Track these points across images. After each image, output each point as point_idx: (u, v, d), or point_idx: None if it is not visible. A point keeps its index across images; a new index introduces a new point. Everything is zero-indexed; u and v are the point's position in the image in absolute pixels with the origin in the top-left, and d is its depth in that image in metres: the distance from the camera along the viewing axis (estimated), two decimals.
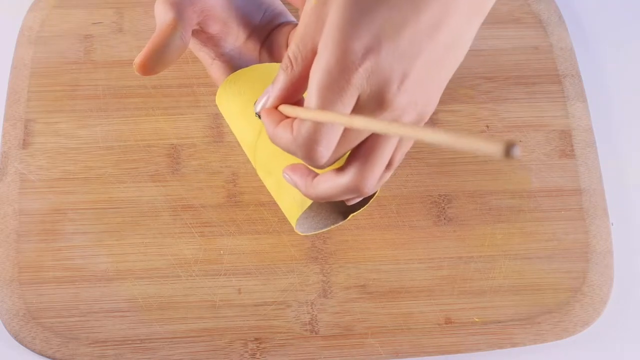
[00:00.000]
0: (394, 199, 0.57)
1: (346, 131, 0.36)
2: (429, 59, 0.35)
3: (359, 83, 0.35)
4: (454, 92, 0.60)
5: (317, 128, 0.35)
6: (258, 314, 0.53)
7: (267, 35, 0.48)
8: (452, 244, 0.55)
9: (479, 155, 0.58)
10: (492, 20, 0.62)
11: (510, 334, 0.53)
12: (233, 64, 0.49)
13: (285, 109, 0.39)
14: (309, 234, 0.50)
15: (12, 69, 0.60)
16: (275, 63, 0.48)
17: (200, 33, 0.47)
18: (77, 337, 0.52)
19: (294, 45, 0.37)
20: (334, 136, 0.36)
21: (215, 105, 0.59)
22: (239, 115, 0.48)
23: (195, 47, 0.48)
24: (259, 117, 0.46)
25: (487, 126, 0.59)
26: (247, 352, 0.52)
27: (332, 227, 0.50)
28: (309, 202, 0.45)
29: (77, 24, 0.62)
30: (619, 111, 0.62)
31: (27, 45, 0.61)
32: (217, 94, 0.49)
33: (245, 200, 0.56)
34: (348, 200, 0.44)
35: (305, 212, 0.49)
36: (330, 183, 0.40)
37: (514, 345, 0.53)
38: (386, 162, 0.39)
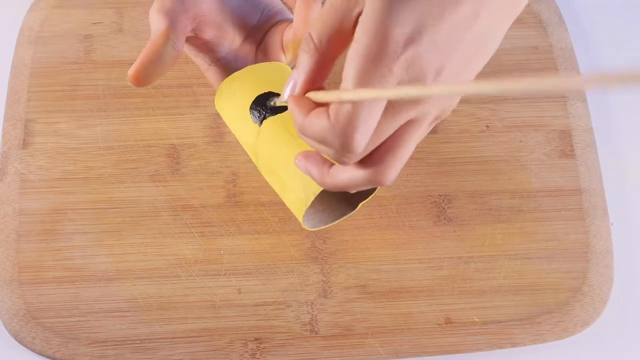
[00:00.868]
0: (394, 199, 0.56)
1: (379, 122, 0.36)
2: (464, 53, 0.35)
3: (399, 72, 0.34)
4: None
5: (357, 113, 0.34)
6: (258, 314, 0.53)
7: (263, 36, 0.48)
8: (452, 244, 0.55)
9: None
10: None
11: (510, 334, 0.53)
12: (229, 68, 0.48)
13: (317, 95, 0.37)
14: (319, 228, 0.49)
15: (12, 69, 0.60)
16: (269, 62, 0.48)
17: (195, 39, 0.46)
18: (77, 337, 0.52)
19: (320, 25, 0.36)
20: (372, 123, 0.35)
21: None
22: (236, 118, 0.48)
23: (191, 53, 0.48)
24: (257, 120, 0.46)
25: (487, 126, 0.59)
26: (247, 352, 0.52)
27: (343, 218, 0.49)
28: (312, 197, 0.44)
29: (77, 24, 0.62)
30: (619, 111, 0.62)
31: (27, 45, 0.61)
32: (215, 99, 0.49)
33: (245, 200, 0.56)
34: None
35: (312, 206, 0.48)
36: (351, 174, 0.39)
37: (514, 345, 0.53)
38: (410, 153, 0.38)
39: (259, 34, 0.48)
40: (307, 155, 0.41)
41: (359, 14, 0.35)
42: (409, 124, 0.36)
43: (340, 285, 0.54)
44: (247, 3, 0.47)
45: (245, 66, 0.48)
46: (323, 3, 0.40)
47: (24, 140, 0.58)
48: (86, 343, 0.52)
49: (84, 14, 0.63)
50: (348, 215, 0.49)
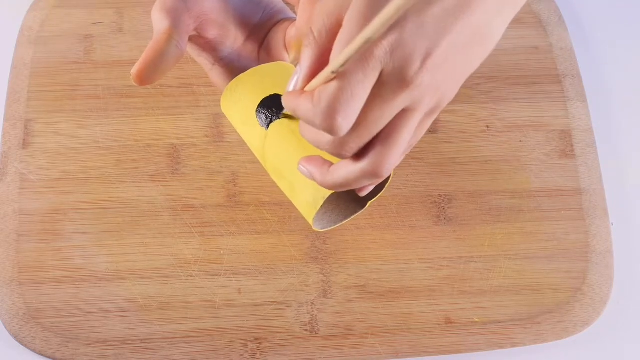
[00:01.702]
0: (394, 199, 0.56)
1: (367, 113, 0.36)
2: (454, 41, 0.35)
3: (382, 56, 0.34)
4: None
5: (338, 96, 0.35)
6: (258, 314, 0.53)
7: (266, 35, 0.48)
8: (452, 244, 0.55)
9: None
10: None
11: (510, 334, 0.53)
12: (233, 68, 0.48)
13: (310, 84, 0.38)
14: (329, 228, 0.49)
15: (12, 69, 0.60)
16: (273, 63, 0.48)
17: (198, 39, 0.47)
18: (77, 337, 0.52)
19: (320, 19, 0.37)
20: (355, 107, 0.35)
21: (215, 105, 0.59)
22: (243, 122, 0.48)
23: (194, 53, 0.48)
24: (263, 123, 0.46)
25: (487, 126, 0.59)
26: (247, 352, 0.52)
27: (353, 217, 0.50)
28: (322, 200, 0.45)
29: (77, 24, 0.62)
30: (619, 111, 0.62)
31: (27, 45, 0.61)
32: (221, 102, 0.49)
33: (245, 200, 0.56)
34: (361, 190, 0.44)
35: (322, 207, 0.48)
36: (348, 169, 0.39)
37: (514, 345, 0.53)
38: (406, 144, 0.39)
39: (261, 33, 0.48)
40: (309, 159, 0.42)
41: None
42: (402, 113, 0.37)
43: (340, 285, 0.54)
44: (249, 2, 0.47)
45: (249, 65, 0.48)
46: None
47: (24, 140, 0.58)
48: (86, 343, 0.52)
49: (84, 14, 0.63)
50: (357, 214, 0.49)
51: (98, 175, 0.57)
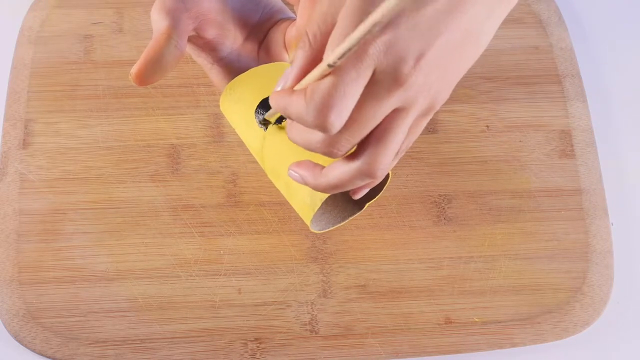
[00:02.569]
0: (394, 199, 0.57)
1: (359, 112, 0.36)
2: (447, 42, 0.35)
3: (375, 55, 0.34)
4: (453, 92, 0.59)
5: (331, 93, 0.35)
6: (258, 314, 0.53)
7: (265, 34, 0.48)
8: (452, 244, 0.55)
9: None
10: None
11: (510, 334, 0.53)
12: (232, 68, 0.48)
13: (300, 83, 0.38)
14: (327, 230, 0.49)
15: (12, 69, 0.60)
16: (273, 63, 0.48)
17: (197, 39, 0.47)
18: (77, 337, 0.52)
19: (314, 22, 0.37)
20: (347, 105, 0.35)
21: (215, 105, 0.59)
22: (242, 122, 0.48)
23: (193, 53, 0.48)
24: (262, 124, 0.46)
25: (487, 126, 0.59)
26: (247, 352, 0.52)
27: (350, 219, 0.50)
28: (319, 202, 0.45)
29: (77, 24, 0.62)
30: (619, 111, 0.62)
31: (27, 45, 0.61)
32: (220, 102, 0.49)
33: (245, 200, 0.56)
34: (355, 192, 0.44)
35: (320, 208, 0.48)
36: (342, 169, 0.39)
37: (514, 345, 0.53)
38: (399, 144, 0.39)
39: (261, 32, 0.48)
40: (298, 163, 0.42)
41: None
42: (395, 113, 0.37)
43: (340, 285, 0.54)
44: (248, 1, 0.47)
45: (248, 65, 0.48)
46: None
47: (24, 140, 0.58)
48: (86, 343, 0.52)
49: (84, 14, 0.63)
50: (355, 215, 0.49)
51: (98, 175, 0.57)
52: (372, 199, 0.49)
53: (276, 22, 0.48)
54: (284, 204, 0.56)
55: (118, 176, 0.57)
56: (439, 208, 0.56)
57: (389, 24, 0.34)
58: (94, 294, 0.53)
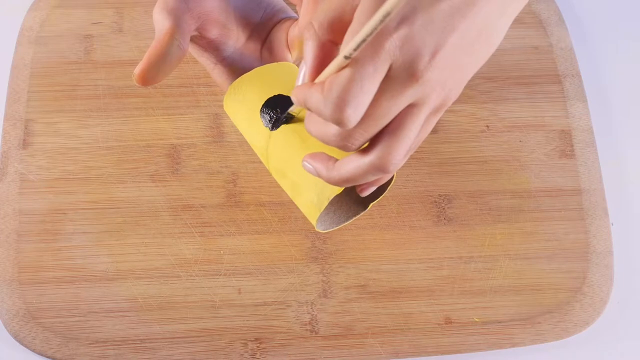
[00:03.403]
0: (394, 199, 0.57)
1: (375, 106, 0.36)
2: (461, 39, 0.36)
3: (391, 50, 0.35)
4: None
5: (348, 88, 0.35)
6: (258, 314, 0.53)
7: (267, 34, 0.48)
8: (452, 244, 0.55)
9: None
10: None
11: (510, 334, 0.53)
12: (235, 68, 0.48)
13: (319, 77, 0.38)
14: (332, 229, 0.49)
15: (12, 69, 0.60)
16: (276, 63, 0.48)
17: (200, 39, 0.47)
18: (77, 337, 0.52)
19: (321, 13, 0.37)
20: (364, 99, 0.35)
21: (215, 105, 0.59)
22: (246, 122, 0.48)
23: (196, 53, 0.48)
24: (268, 123, 0.46)
25: (487, 126, 0.59)
26: (247, 352, 0.52)
27: (354, 218, 0.50)
28: (326, 202, 0.45)
29: (77, 24, 0.62)
30: (619, 111, 0.62)
31: (27, 45, 0.61)
32: (224, 102, 0.49)
33: (245, 200, 0.56)
34: (363, 189, 0.44)
35: (325, 208, 0.48)
36: (355, 163, 0.40)
37: (514, 345, 0.53)
38: (412, 139, 0.39)
39: (263, 32, 0.48)
40: (313, 155, 0.43)
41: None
42: (409, 108, 0.37)
43: (340, 285, 0.54)
44: (250, 1, 0.47)
45: (251, 64, 0.48)
46: None
47: (24, 140, 0.58)
48: (86, 343, 0.52)
49: (84, 14, 0.63)
50: (360, 214, 0.49)
51: (98, 175, 0.57)
52: (376, 199, 0.49)
53: (278, 22, 0.48)
54: (284, 204, 0.56)
55: (118, 176, 0.57)
56: (439, 208, 0.56)
57: (405, 19, 0.34)
58: (94, 294, 0.53)
